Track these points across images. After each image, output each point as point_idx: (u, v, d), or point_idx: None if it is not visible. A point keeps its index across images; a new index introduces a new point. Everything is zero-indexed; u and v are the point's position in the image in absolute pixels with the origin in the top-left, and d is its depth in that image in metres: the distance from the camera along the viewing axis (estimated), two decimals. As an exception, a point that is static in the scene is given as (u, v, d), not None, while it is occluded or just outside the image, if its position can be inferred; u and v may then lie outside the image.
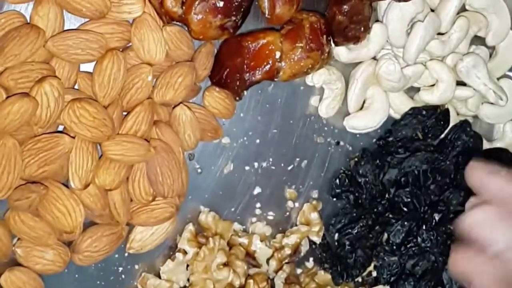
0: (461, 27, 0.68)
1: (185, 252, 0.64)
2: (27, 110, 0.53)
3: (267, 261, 0.68)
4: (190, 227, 0.65)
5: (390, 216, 0.69)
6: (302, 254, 0.69)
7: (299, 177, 0.69)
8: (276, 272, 0.67)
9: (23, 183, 0.55)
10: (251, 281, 0.65)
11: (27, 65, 0.55)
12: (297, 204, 0.70)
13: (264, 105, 0.67)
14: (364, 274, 0.71)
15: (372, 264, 0.70)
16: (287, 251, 0.68)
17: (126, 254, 0.64)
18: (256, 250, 0.67)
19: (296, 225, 0.69)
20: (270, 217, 0.69)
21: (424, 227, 0.68)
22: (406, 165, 0.68)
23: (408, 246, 0.68)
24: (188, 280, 0.65)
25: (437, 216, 0.69)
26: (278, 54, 0.62)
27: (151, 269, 0.65)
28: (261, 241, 0.67)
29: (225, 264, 0.64)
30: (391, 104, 0.69)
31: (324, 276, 0.70)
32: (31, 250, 0.58)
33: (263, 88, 0.66)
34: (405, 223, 0.68)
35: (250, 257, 0.67)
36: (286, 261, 0.68)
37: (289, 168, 0.69)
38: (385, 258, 0.69)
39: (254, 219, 0.68)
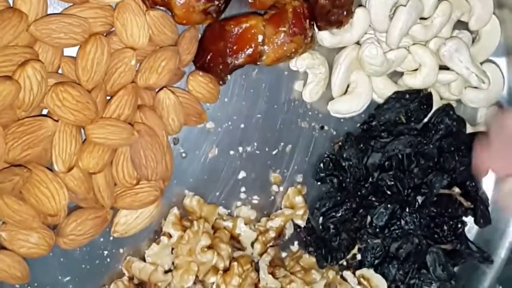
0: (444, 11, 0.68)
1: (170, 236, 0.65)
2: (10, 93, 0.53)
3: (252, 244, 0.68)
4: (175, 210, 0.65)
5: (374, 199, 0.69)
6: (286, 237, 0.69)
7: (284, 161, 0.70)
8: (261, 255, 0.68)
9: (7, 167, 0.56)
10: (235, 263, 0.65)
11: (10, 48, 0.55)
12: (281, 188, 0.70)
13: (248, 90, 0.67)
14: (349, 257, 0.71)
15: (356, 247, 0.71)
16: (272, 234, 0.68)
17: (111, 238, 0.64)
18: (241, 234, 0.67)
19: (281, 209, 0.69)
20: (255, 201, 0.69)
21: (407, 210, 0.68)
22: (389, 148, 0.69)
23: (391, 229, 0.69)
24: (173, 263, 0.65)
25: (420, 199, 0.69)
26: (260, 38, 0.62)
27: (136, 253, 0.66)
28: (246, 224, 0.67)
29: (210, 247, 0.64)
30: (375, 88, 0.70)
31: (308, 259, 0.70)
32: (15, 234, 0.58)
33: (247, 73, 0.67)
34: (388, 205, 0.68)
35: (234, 240, 0.67)
36: (271, 244, 0.68)
37: (274, 152, 0.69)
38: (369, 241, 0.70)
39: (239, 203, 0.69)
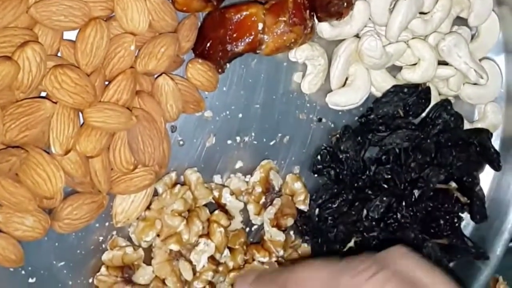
0: (444, 6, 0.69)
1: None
2: (9, 73, 0.53)
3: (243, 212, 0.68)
4: (173, 174, 0.65)
5: (370, 192, 0.69)
6: (277, 188, 0.69)
7: (281, 152, 0.70)
8: (258, 214, 0.68)
9: (4, 148, 0.55)
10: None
11: (9, 30, 0.55)
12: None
13: (247, 80, 0.67)
14: (345, 250, 0.71)
15: (353, 240, 0.71)
16: (258, 189, 0.68)
17: (106, 224, 0.64)
18: (227, 203, 0.67)
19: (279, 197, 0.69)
20: (252, 192, 0.69)
21: (403, 203, 0.68)
22: (387, 142, 0.69)
23: (387, 222, 0.69)
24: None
25: (416, 193, 0.69)
26: (260, 26, 0.62)
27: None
28: (231, 194, 0.67)
29: (182, 216, 0.64)
30: (373, 82, 0.70)
31: (306, 248, 0.70)
32: (11, 216, 0.57)
33: (246, 63, 0.67)
34: (384, 198, 0.68)
35: (222, 210, 0.67)
36: (268, 200, 0.68)
37: (271, 143, 0.69)
38: (365, 233, 0.69)
39: (232, 175, 0.69)
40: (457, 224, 0.72)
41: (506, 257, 0.74)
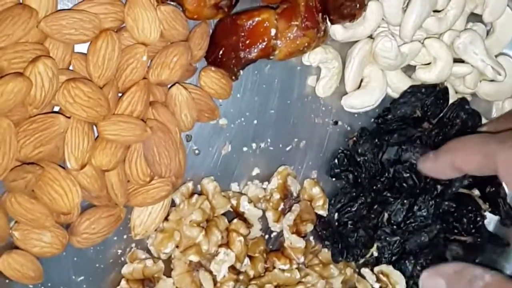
0: (457, 4, 0.67)
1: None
2: (21, 89, 0.52)
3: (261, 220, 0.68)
4: (190, 184, 0.65)
5: (389, 195, 0.68)
6: (295, 194, 0.68)
7: (298, 157, 0.69)
8: (277, 221, 0.67)
9: (19, 165, 0.55)
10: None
11: (20, 45, 0.54)
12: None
13: (261, 85, 0.66)
14: (367, 255, 0.70)
15: (375, 245, 0.70)
16: (276, 195, 0.67)
17: (124, 236, 0.63)
18: (245, 212, 0.66)
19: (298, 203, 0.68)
20: (270, 199, 0.69)
21: (423, 198, 0.67)
22: (404, 157, 0.68)
23: (407, 222, 0.68)
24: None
25: (439, 188, 0.68)
26: (273, 32, 0.61)
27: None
28: (252, 202, 0.67)
29: (201, 226, 0.63)
30: (389, 82, 0.69)
31: (327, 253, 0.70)
32: (28, 233, 0.57)
33: (259, 69, 0.66)
34: (405, 201, 0.67)
35: (241, 218, 0.66)
36: (286, 207, 0.68)
37: (288, 148, 0.68)
38: (387, 238, 0.69)
39: (249, 183, 0.68)
40: (480, 222, 0.70)
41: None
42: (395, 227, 0.68)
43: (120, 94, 0.59)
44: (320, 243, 0.70)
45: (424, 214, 0.67)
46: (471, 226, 0.70)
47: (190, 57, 0.60)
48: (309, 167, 0.69)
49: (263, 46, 0.61)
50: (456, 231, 0.69)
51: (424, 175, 0.67)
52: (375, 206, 0.68)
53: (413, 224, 0.68)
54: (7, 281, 0.58)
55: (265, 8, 0.62)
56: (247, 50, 0.61)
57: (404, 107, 0.68)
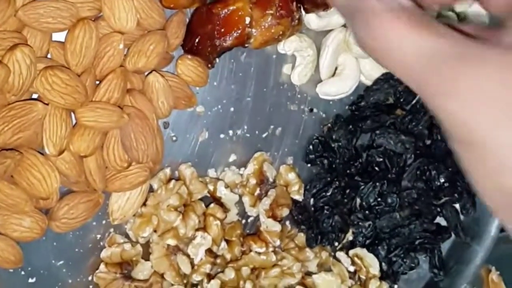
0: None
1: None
2: (-1, 76, 0.54)
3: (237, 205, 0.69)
4: (167, 170, 0.66)
5: (360, 179, 0.69)
6: (271, 179, 0.69)
7: (274, 144, 0.70)
8: (253, 205, 0.68)
9: (-2, 151, 0.56)
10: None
11: (-2, 33, 0.55)
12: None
13: (237, 73, 0.67)
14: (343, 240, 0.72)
15: (350, 230, 0.72)
16: (252, 180, 0.68)
17: (103, 221, 0.64)
18: (222, 196, 0.68)
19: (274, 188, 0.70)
20: (246, 184, 0.70)
21: (395, 187, 0.69)
22: (378, 142, 0.69)
23: (377, 207, 0.69)
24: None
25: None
26: (247, 20, 0.62)
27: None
28: (229, 187, 0.68)
29: (178, 211, 0.65)
30: (362, 70, 0.70)
31: (303, 237, 0.71)
32: (8, 218, 0.58)
33: (236, 57, 0.67)
34: (376, 184, 0.69)
35: (218, 203, 0.68)
36: (262, 192, 0.69)
37: (264, 135, 0.70)
38: (360, 223, 0.70)
39: (226, 169, 0.69)
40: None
41: (496, 246, 0.74)
42: (367, 212, 0.69)
43: (97, 82, 0.60)
44: (296, 227, 0.71)
45: (394, 199, 0.69)
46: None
47: (166, 46, 0.61)
48: (285, 153, 0.71)
49: (238, 34, 0.62)
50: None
51: None
52: (348, 191, 0.70)
53: (382, 207, 0.69)
54: (-13, 265, 0.59)
55: (240, -2, 0.63)
56: (222, 38, 0.62)
57: (377, 94, 0.70)
